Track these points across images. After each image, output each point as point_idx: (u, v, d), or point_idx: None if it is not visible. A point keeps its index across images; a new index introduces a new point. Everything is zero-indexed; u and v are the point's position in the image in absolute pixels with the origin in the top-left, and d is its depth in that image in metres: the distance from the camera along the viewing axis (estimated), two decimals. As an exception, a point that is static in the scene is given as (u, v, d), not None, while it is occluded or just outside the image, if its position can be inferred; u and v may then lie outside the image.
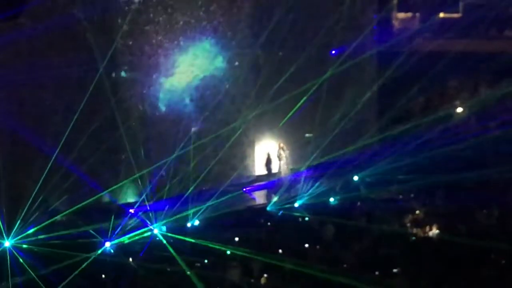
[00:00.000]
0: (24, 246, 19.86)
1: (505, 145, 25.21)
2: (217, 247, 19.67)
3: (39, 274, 18.16)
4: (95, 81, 22.00)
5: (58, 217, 21.51)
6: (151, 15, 23.52)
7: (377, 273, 17.81)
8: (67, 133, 21.27)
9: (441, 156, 24.45)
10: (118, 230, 20.60)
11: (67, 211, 21.44)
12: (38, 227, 20.49)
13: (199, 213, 22.13)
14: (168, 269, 18.65)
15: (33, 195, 20.66)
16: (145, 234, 21.09)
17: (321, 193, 23.88)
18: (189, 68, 24.34)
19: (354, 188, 24.27)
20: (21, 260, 19.08)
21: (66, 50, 22.05)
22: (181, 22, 24.05)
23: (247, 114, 25.29)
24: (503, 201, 22.01)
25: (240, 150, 25.42)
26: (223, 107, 24.87)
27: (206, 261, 18.98)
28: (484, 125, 26.95)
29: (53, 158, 20.92)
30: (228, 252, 19.55)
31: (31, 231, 20.34)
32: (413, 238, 20.50)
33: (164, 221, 21.72)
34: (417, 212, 21.96)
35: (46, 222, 20.62)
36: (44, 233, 20.36)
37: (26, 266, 18.65)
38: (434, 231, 20.59)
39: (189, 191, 22.79)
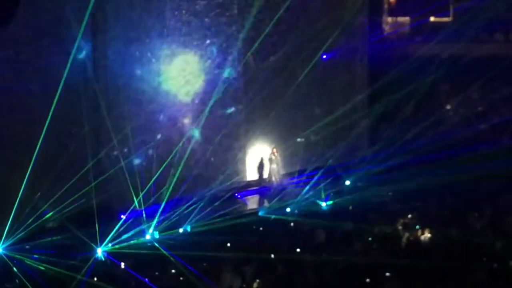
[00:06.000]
0: (14, 252, 19.82)
1: (497, 147, 25.32)
2: (209, 252, 19.64)
3: (29, 282, 18.13)
4: (84, 87, 22.06)
5: (48, 223, 21.49)
6: (142, 20, 23.54)
7: (367, 280, 17.81)
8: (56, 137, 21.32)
9: (432, 160, 24.53)
10: (110, 236, 20.58)
11: (57, 216, 21.41)
12: (27, 230, 20.47)
13: (191, 219, 22.11)
14: (157, 274, 18.62)
15: (23, 200, 20.61)
16: (137, 240, 21.06)
17: (313, 198, 23.94)
18: (180, 73, 24.36)
19: (345, 193, 24.31)
20: (11, 266, 19.09)
21: (54, 55, 22.06)
22: (171, 28, 24.06)
23: (238, 118, 25.32)
24: (495, 204, 22.06)
25: (231, 154, 25.43)
26: (215, 112, 24.88)
27: (198, 266, 18.92)
28: (475, 128, 27.04)
29: (42, 162, 20.88)
30: (220, 257, 19.54)
31: (20, 235, 20.32)
32: (405, 242, 20.48)
33: (157, 227, 21.71)
34: (409, 216, 21.97)
35: (35, 224, 20.61)
36: (34, 239, 20.35)
37: (16, 274, 18.65)
38: (426, 235, 20.59)
39: (181, 196, 22.81)
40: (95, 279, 18.37)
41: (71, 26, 21.87)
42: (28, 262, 19.24)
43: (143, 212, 22.11)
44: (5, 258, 19.64)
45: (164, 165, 23.05)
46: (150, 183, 22.69)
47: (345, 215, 22.60)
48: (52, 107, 20.71)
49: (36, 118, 21.47)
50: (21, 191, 20.45)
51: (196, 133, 24.10)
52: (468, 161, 24.13)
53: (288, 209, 23.57)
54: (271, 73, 25.49)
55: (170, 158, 23.27)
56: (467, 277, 17.33)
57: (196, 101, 24.61)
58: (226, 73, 24.95)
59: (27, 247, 20.11)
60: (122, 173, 22.70)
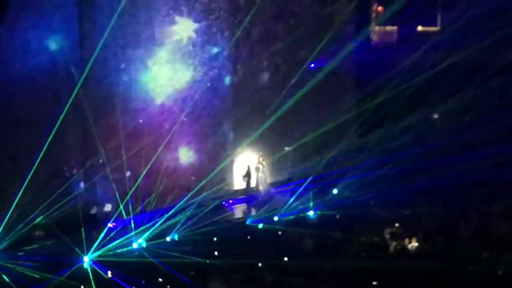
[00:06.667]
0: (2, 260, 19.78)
1: (485, 154, 25.38)
2: (197, 261, 19.63)
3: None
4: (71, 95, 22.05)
5: (36, 229, 21.45)
6: (128, 28, 23.54)
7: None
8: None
9: (421, 168, 24.57)
10: (96, 244, 20.52)
11: (45, 223, 21.36)
12: (16, 237, 20.43)
13: (178, 227, 22.08)
14: (144, 283, 18.59)
15: (12, 207, 20.58)
16: (125, 249, 21.01)
17: (300, 207, 23.94)
18: (168, 81, 24.35)
19: (333, 201, 24.33)
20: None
21: (46, 61, 22.07)
22: (159, 35, 24.08)
23: (226, 127, 25.32)
24: (483, 213, 22.14)
25: (219, 163, 25.40)
26: (202, 120, 24.88)
27: (185, 275, 18.92)
28: (464, 136, 27.08)
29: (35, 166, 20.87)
30: (208, 266, 19.52)
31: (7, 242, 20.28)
32: (392, 250, 20.54)
33: (144, 236, 21.66)
34: (396, 224, 22.01)
35: (23, 230, 20.57)
36: (21, 246, 20.30)
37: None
38: (413, 244, 20.64)
39: (169, 205, 22.79)
40: (82, 287, 18.36)
41: (59, 34, 21.90)
42: (15, 271, 19.20)
43: (131, 220, 22.07)
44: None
45: (143, 173, 23.00)
46: (131, 192, 22.64)
47: (333, 223, 22.65)
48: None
49: (23, 125, 21.47)
50: (17, 197, 20.46)
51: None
52: (456, 169, 24.18)
53: (275, 218, 23.56)
54: (259, 82, 25.49)
55: (156, 167, 23.24)
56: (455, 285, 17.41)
57: (184, 110, 24.59)
58: (215, 81, 25.01)
59: (17, 254, 20.06)
60: (109, 182, 22.68)
